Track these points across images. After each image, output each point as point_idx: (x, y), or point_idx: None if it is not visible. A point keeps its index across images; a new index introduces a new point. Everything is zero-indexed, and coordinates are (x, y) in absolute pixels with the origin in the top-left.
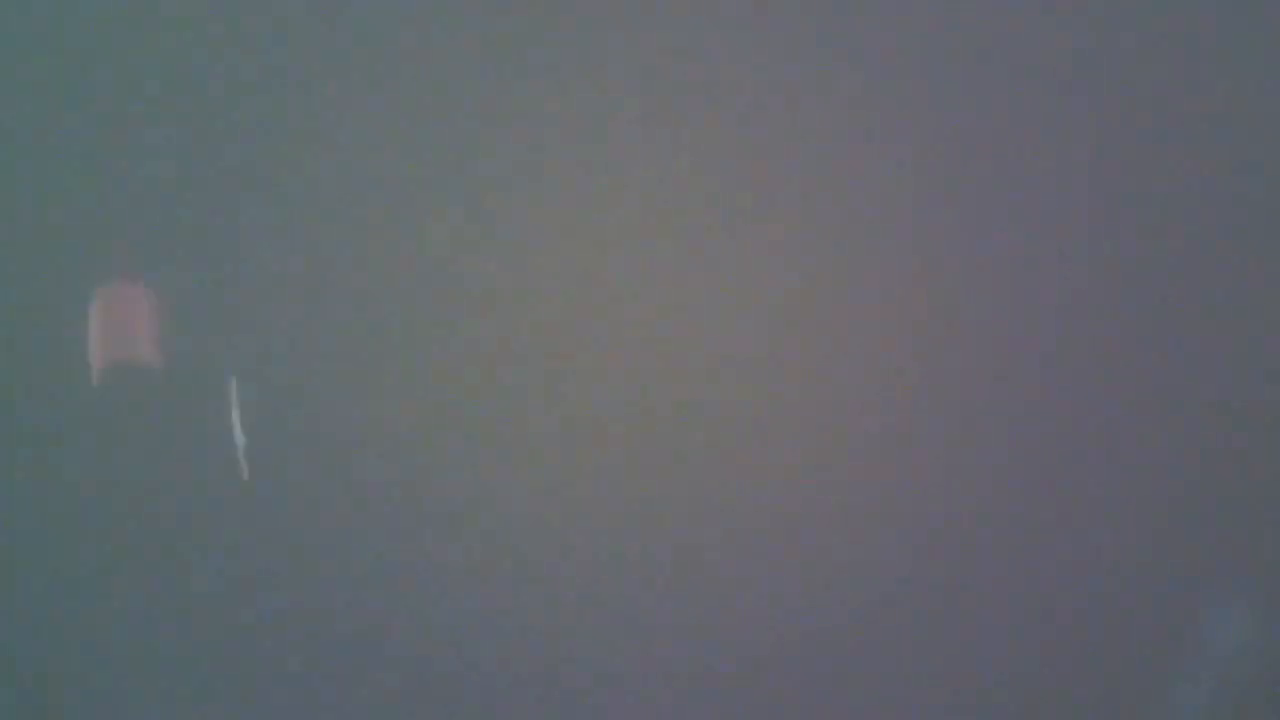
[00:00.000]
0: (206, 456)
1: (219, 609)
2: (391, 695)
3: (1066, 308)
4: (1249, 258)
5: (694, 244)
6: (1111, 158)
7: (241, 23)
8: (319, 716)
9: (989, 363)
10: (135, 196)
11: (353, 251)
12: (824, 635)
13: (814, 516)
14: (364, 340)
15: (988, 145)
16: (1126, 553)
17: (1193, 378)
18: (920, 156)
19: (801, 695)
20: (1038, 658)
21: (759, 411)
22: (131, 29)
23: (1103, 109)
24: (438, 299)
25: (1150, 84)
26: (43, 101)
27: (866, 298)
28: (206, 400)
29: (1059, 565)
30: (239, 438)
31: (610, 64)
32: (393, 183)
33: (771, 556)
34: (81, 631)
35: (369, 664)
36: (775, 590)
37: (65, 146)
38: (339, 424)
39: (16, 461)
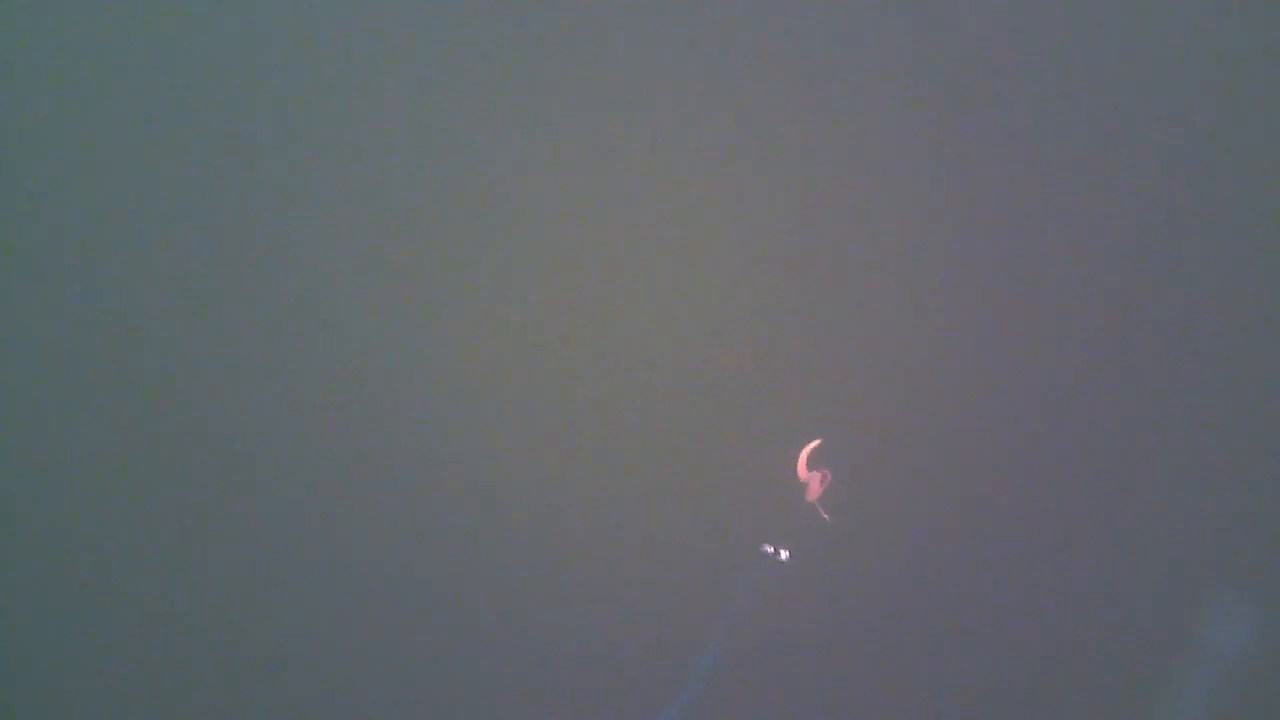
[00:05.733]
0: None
1: (224, 607)
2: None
3: (1066, 310)
4: (1248, 261)
5: (697, 245)
6: (1112, 162)
7: (243, 26)
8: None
9: (989, 365)
10: (141, 197)
11: (357, 253)
12: (824, 634)
13: (817, 515)
14: (367, 341)
15: (988, 148)
16: (1127, 553)
17: (1193, 380)
18: (920, 159)
19: (802, 695)
20: (1037, 658)
21: (761, 412)
22: (135, 30)
23: (1101, 113)
24: (441, 299)
25: (1147, 90)
26: (43, 102)
27: (868, 299)
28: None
29: (1058, 566)
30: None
31: (612, 67)
32: (394, 185)
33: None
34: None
35: (374, 661)
36: (777, 589)
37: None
38: (342, 422)
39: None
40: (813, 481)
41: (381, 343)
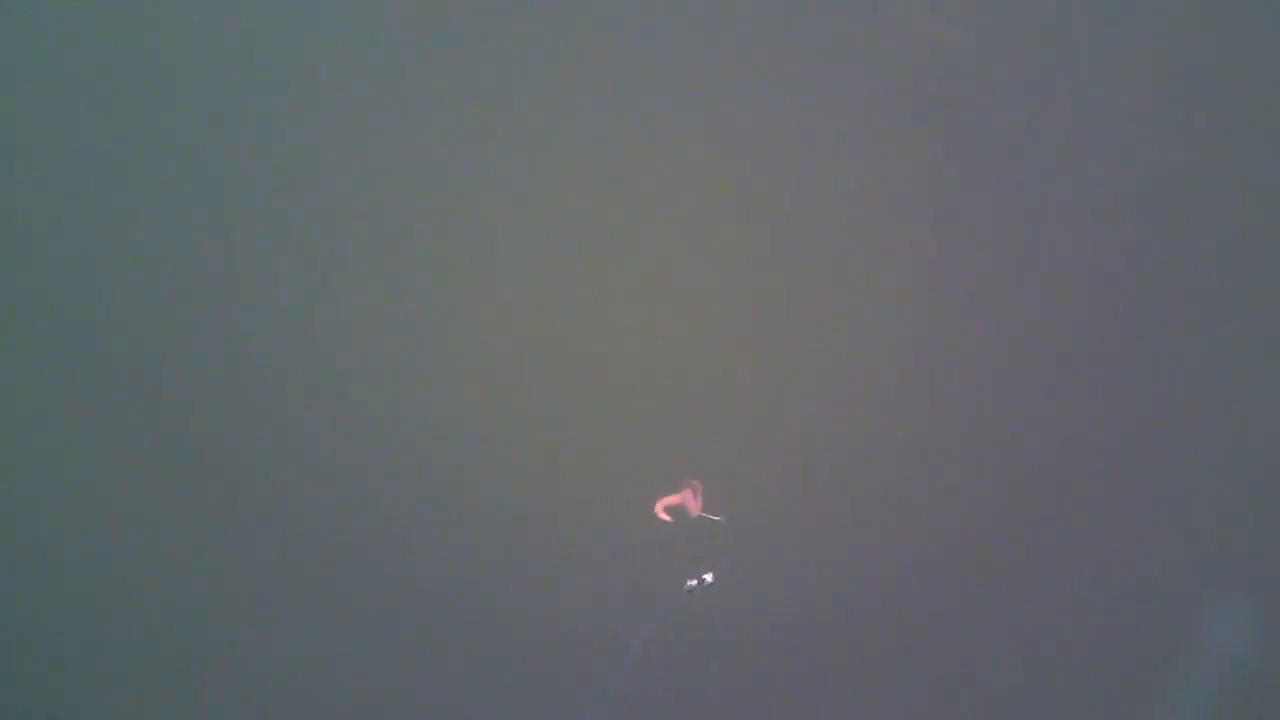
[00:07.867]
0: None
1: (227, 606)
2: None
3: (1066, 310)
4: (1248, 262)
5: (698, 245)
6: (1114, 161)
7: (242, 25)
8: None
9: (990, 366)
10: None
11: (358, 254)
12: (823, 633)
13: (817, 517)
14: (368, 341)
15: (988, 152)
16: (1127, 553)
17: (1192, 380)
18: (921, 160)
19: (801, 693)
20: (1038, 657)
21: (763, 412)
22: (135, 29)
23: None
24: (442, 299)
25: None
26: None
27: (869, 299)
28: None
29: (1059, 566)
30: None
31: (610, 69)
32: (396, 186)
33: (775, 555)
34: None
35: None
36: (777, 588)
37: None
38: (345, 422)
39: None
40: (687, 501)
41: (380, 342)
